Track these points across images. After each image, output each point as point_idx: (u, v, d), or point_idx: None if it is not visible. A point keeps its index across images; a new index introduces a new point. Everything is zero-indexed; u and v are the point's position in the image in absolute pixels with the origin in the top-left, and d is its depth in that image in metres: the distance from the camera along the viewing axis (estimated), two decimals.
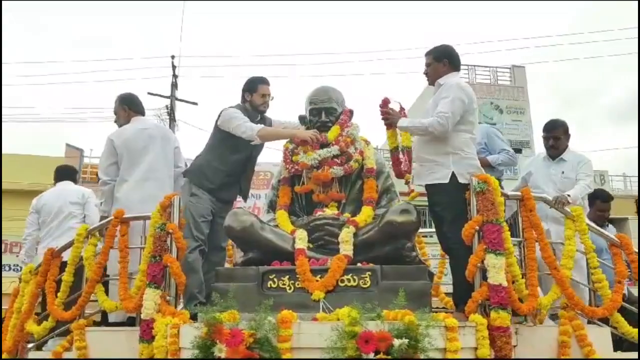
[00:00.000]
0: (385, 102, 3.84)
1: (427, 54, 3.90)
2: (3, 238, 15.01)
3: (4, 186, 14.45)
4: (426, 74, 3.91)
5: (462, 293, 3.39)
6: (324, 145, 3.99)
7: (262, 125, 4.09)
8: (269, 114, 4.42)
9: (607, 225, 4.87)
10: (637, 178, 19.44)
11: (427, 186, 3.72)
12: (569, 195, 3.83)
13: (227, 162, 4.17)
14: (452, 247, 3.54)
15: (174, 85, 17.94)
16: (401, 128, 3.78)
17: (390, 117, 3.80)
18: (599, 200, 4.89)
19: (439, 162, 3.63)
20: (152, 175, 4.10)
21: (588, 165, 4.35)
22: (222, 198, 4.18)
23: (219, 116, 4.16)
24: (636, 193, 18.92)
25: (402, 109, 3.92)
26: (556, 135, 4.45)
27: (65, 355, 3.63)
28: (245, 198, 4.42)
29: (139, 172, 4.07)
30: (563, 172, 4.34)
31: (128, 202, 3.97)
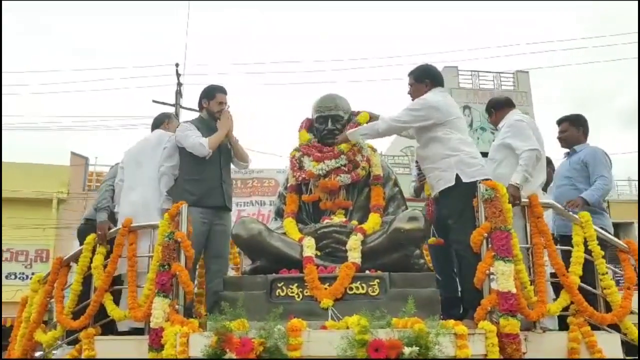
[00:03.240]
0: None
1: (409, 75, 4.01)
2: (9, 247, 15.08)
3: (10, 195, 14.53)
4: (410, 94, 3.98)
5: (471, 299, 3.38)
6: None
7: (207, 139, 4.05)
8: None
9: (576, 152, 4.38)
10: None
11: (439, 194, 3.75)
12: (516, 183, 3.61)
13: (202, 171, 4.10)
14: (460, 253, 3.54)
15: (179, 94, 17.99)
16: (353, 136, 3.95)
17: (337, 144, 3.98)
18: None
19: (442, 167, 3.68)
20: (146, 182, 4.19)
21: (517, 128, 3.89)
22: (210, 204, 4.05)
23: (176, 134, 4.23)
24: None
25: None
26: (488, 109, 4.35)
27: None
28: (229, 206, 4.27)
29: (135, 181, 4.22)
30: (494, 141, 4.18)
31: (129, 209, 4.12)
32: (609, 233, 3.99)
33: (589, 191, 4.05)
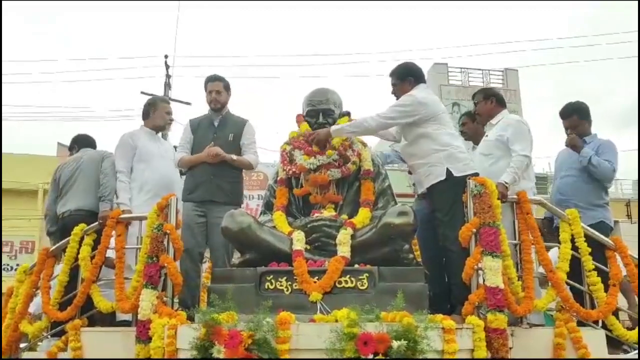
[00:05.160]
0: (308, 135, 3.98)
1: (391, 75, 4.01)
2: None
3: None
4: (394, 93, 3.99)
5: (458, 294, 3.40)
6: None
7: (183, 155, 4.44)
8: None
9: (586, 143, 4.24)
10: (629, 182, 19.60)
11: (428, 190, 3.75)
12: (506, 182, 3.67)
13: (193, 167, 4.37)
14: (449, 247, 3.56)
15: (168, 85, 17.84)
16: (338, 133, 3.88)
17: (317, 137, 3.91)
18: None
19: (432, 162, 3.69)
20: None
21: (519, 130, 3.98)
22: (197, 199, 4.27)
23: None
24: (627, 197, 19.10)
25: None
26: (488, 95, 4.37)
27: (60, 355, 3.61)
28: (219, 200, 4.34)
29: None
30: (487, 136, 4.23)
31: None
32: (610, 226, 4.13)
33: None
